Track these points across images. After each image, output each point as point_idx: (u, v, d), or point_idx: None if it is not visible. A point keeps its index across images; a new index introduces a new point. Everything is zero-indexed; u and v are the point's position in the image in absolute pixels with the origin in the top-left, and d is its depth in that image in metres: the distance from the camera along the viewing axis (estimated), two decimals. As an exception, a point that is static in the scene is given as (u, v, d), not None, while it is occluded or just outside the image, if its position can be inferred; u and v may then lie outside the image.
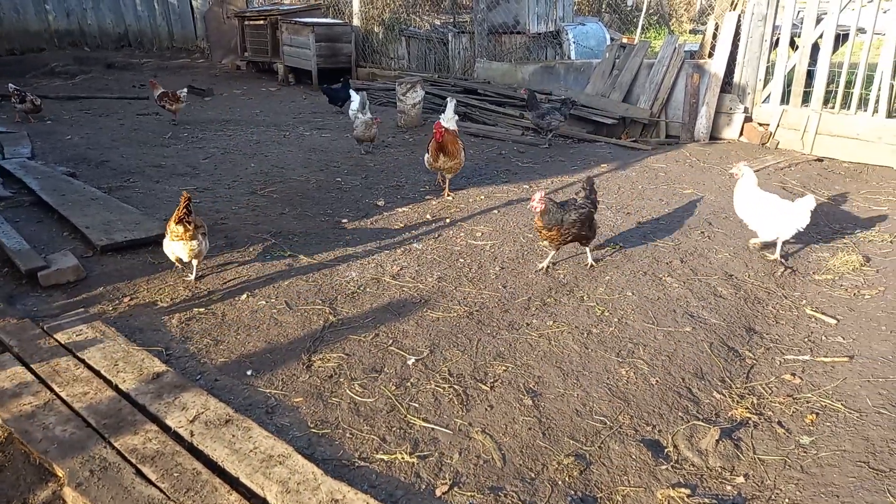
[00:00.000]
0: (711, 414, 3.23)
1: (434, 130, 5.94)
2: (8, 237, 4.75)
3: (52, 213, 5.53)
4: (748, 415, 3.21)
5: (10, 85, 9.64)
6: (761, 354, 3.76)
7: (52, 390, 3.03)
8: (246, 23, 14.83)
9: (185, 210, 4.10)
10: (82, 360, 3.27)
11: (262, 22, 14.35)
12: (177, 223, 4.11)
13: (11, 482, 2.60)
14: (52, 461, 2.58)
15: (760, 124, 8.51)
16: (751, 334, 3.96)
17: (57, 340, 3.44)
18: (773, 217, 4.84)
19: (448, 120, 6.49)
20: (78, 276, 4.38)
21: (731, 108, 8.62)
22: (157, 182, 6.66)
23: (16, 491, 2.56)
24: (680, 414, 3.20)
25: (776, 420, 3.18)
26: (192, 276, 4.45)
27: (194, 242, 4.20)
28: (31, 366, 3.20)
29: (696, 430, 3.09)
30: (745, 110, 8.55)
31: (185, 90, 9.64)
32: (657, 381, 3.43)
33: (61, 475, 2.53)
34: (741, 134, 8.62)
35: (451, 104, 6.74)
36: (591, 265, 4.77)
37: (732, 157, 7.91)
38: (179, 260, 4.34)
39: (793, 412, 3.24)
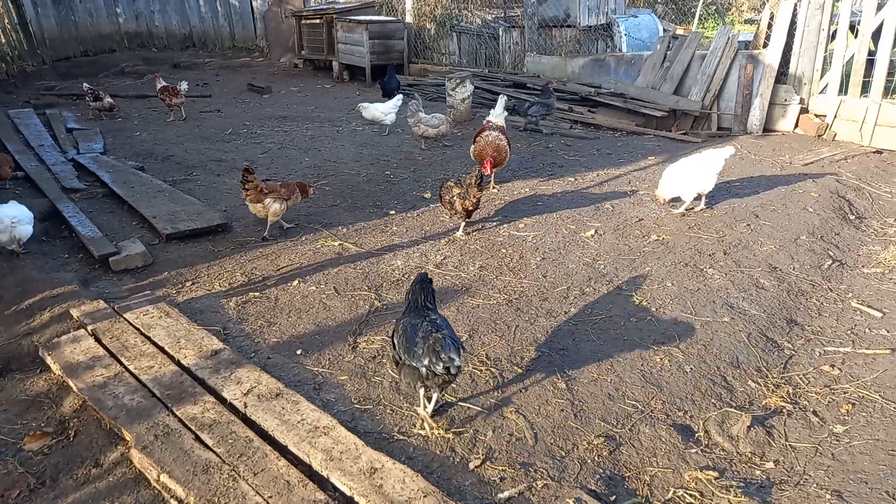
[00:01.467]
0: (745, 402, 3.27)
1: (484, 164, 5.78)
2: (83, 226, 5.14)
3: (122, 204, 5.93)
4: (782, 403, 3.24)
5: (84, 84, 10.28)
6: (801, 346, 3.76)
7: (121, 363, 3.33)
8: (303, 22, 15.25)
9: (242, 179, 5.01)
10: (148, 338, 3.57)
11: (318, 21, 14.73)
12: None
13: (85, 444, 2.89)
14: (121, 426, 2.86)
15: (816, 115, 8.29)
16: (791, 326, 3.96)
17: (126, 319, 3.75)
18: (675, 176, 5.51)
19: (497, 116, 6.61)
20: (145, 261, 4.72)
21: (785, 100, 8.42)
22: (218, 175, 7.02)
23: (89, 452, 2.85)
24: (713, 401, 3.25)
25: (811, 409, 3.20)
26: (265, 233, 5.22)
27: (258, 205, 5.08)
28: (103, 341, 3.52)
29: (728, 416, 3.14)
30: (801, 101, 8.33)
31: (185, 84, 10.17)
32: (692, 368, 3.49)
33: (129, 439, 2.80)
34: (796, 125, 8.42)
35: (501, 102, 6.85)
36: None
37: (786, 149, 7.74)
38: (256, 217, 5.28)
39: (828, 402, 3.25)
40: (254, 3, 17.14)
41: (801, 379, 3.46)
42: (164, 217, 5.41)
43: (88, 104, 9.88)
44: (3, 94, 11.92)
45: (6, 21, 13.55)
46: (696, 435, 3.02)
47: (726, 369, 3.50)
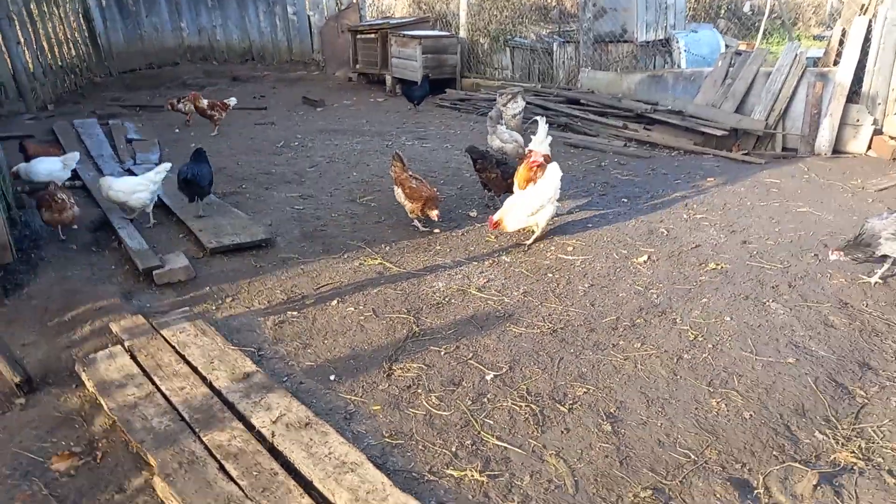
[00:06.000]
0: (811, 456, 2.98)
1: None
2: (131, 238, 5.20)
3: (171, 216, 5.99)
4: (854, 460, 2.93)
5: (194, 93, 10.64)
6: (875, 393, 3.42)
7: (153, 383, 3.28)
8: (358, 36, 15.40)
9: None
10: (183, 357, 3.52)
11: (372, 35, 14.85)
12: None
13: (111, 467, 2.84)
14: (147, 451, 2.79)
15: (892, 137, 7.76)
16: (864, 370, 3.62)
17: (163, 336, 3.72)
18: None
19: (540, 143, 6.05)
20: (188, 275, 4.71)
21: (857, 120, 7.93)
22: (267, 189, 7.05)
23: (113, 476, 2.79)
24: (775, 453, 2.97)
25: (886, 468, 2.88)
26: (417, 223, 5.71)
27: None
28: (138, 359, 3.49)
29: (792, 472, 2.86)
30: (875, 122, 7.83)
31: (233, 99, 10.20)
32: (751, 415, 3.21)
33: (154, 465, 2.73)
34: (869, 147, 7.91)
35: (542, 125, 6.25)
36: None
37: (857, 173, 7.27)
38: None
39: (907, 461, 2.92)
40: (312, 19, 17.42)
41: (874, 432, 3.13)
42: (209, 230, 5.42)
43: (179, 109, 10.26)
44: (72, 104, 12.42)
45: (77, 35, 14.14)
46: (756, 492, 2.75)
47: (790, 417, 3.21)
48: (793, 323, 4.06)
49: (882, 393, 3.43)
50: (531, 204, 5.12)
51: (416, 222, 5.71)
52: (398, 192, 5.66)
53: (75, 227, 5.59)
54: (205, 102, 9.61)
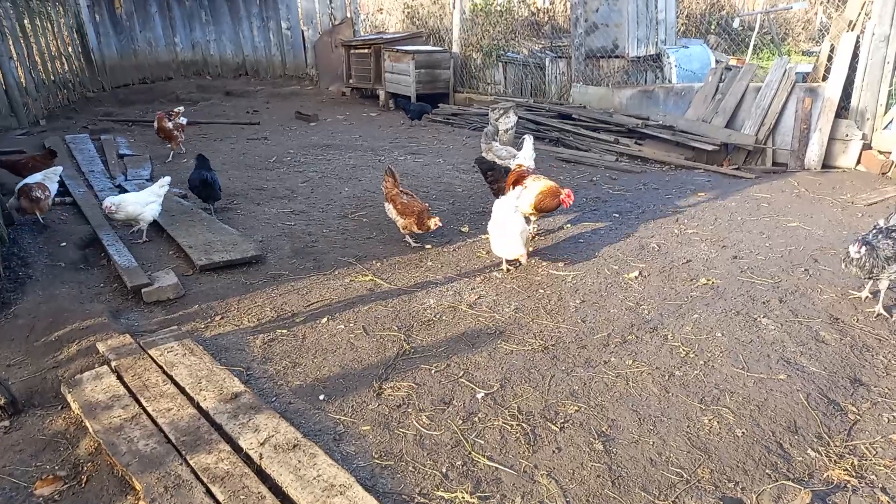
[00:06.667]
0: (804, 474, 2.96)
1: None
2: (120, 254, 5.16)
3: (161, 232, 5.96)
4: (847, 477, 2.91)
5: (179, 108, 10.65)
6: (867, 409, 3.41)
7: (140, 404, 3.24)
8: (352, 51, 15.47)
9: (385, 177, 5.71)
10: (170, 377, 3.48)
11: (366, 50, 14.92)
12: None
13: (96, 492, 2.79)
14: (133, 475, 2.74)
15: (881, 152, 7.83)
16: (856, 386, 3.61)
17: (150, 356, 3.68)
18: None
19: (527, 158, 6.38)
20: (177, 293, 4.68)
21: (847, 135, 7.99)
22: (258, 204, 7.03)
23: (98, 501, 2.74)
24: (767, 471, 2.95)
25: (879, 485, 2.87)
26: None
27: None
28: (125, 379, 3.44)
29: (785, 490, 2.84)
30: (864, 137, 7.89)
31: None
32: (743, 432, 3.19)
33: (139, 489, 2.68)
34: (858, 162, 7.97)
35: (528, 143, 6.54)
36: None
37: (847, 187, 7.32)
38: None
39: (900, 479, 2.90)
40: (306, 33, 17.50)
41: (867, 449, 3.12)
42: (199, 247, 5.39)
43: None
44: (64, 119, 12.41)
45: (70, 50, 14.14)
46: (748, 511, 2.73)
47: (783, 435, 3.19)
48: (784, 339, 4.06)
49: (874, 409, 3.42)
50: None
51: (407, 238, 5.69)
52: (389, 208, 5.63)
53: (43, 216, 6.12)
54: (170, 124, 9.25)
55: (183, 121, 9.65)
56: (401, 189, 5.65)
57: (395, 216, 5.57)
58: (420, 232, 5.51)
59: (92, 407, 3.21)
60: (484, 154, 7.77)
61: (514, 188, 5.41)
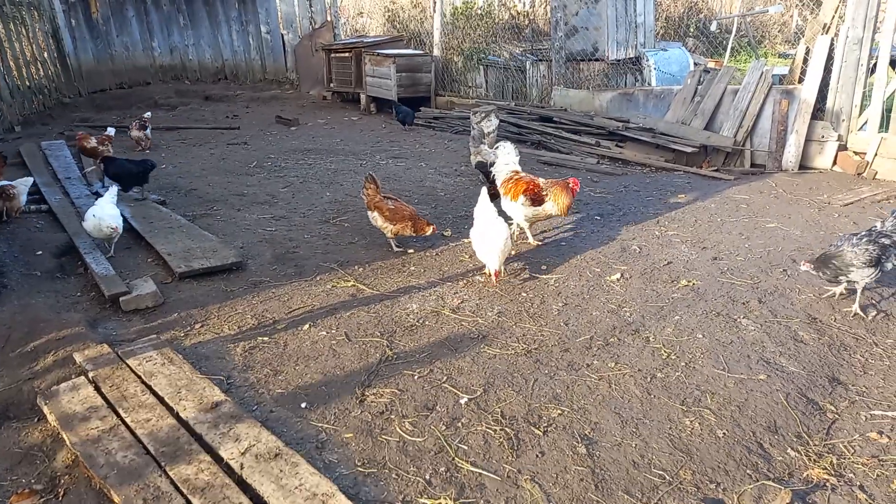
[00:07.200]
0: (784, 473, 2.98)
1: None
2: (97, 263, 5.09)
3: (140, 240, 5.89)
4: (826, 476, 2.94)
5: (147, 114, 10.67)
6: (845, 408, 3.46)
7: (118, 415, 3.19)
8: (332, 55, 15.44)
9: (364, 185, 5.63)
10: (149, 387, 3.43)
11: (347, 54, 14.89)
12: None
13: (73, 505, 2.74)
14: (111, 487, 2.70)
15: (856, 153, 7.96)
16: (834, 385, 3.65)
17: (129, 366, 3.63)
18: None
19: (516, 164, 5.87)
20: (156, 301, 4.61)
21: (823, 136, 8.12)
22: (238, 210, 6.97)
23: (76, 514, 2.69)
24: (748, 472, 2.97)
25: (857, 483, 2.90)
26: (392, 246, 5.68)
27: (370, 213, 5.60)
28: (103, 390, 3.39)
29: (766, 490, 2.86)
30: (839, 138, 8.02)
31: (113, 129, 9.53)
32: (724, 433, 3.22)
33: (117, 501, 2.64)
34: (834, 163, 8.09)
35: (503, 149, 5.92)
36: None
37: (823, 188, 7.43)
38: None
39: (877, 476, 2.94)
40: (285, 37, 17.42)
41: (845, 447, 3.16)
42: (178, 254, 5.33)
43: (130, 133, 10.19)
44: (40, 125, 12.22)
45: (46, 55, 13.94)
46: (730, 512, 2.75)
47: (763, 435, 3.22)
48: (763, 339, 4.10)
49: (852, 408, 3.46)
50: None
51: (391, 242, 5.66)
52: (375, 216, 5.55)
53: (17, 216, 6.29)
54: (93, 141, 8.65)
55: (111, 130, 9.32)
56: (384, 195, 5.61)
57: (383, 223, 5.49)
58: (415, 236, 5.49)
59: (69, 419, 3.16)
60: (472, 158, 7.82)
61: (524, 195, 5.39)
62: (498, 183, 5.74)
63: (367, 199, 5.61)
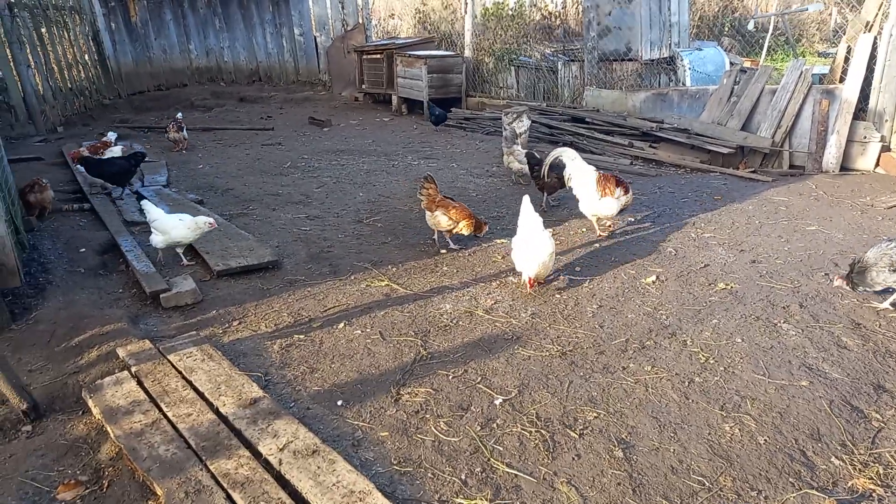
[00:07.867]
0: (828, 482, 2.91)
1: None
2: (138, 261, 5.20)
3: (178, 239, 5.99)
4: (872, 486, 2.87)
5: (179, 115, 11.00)
6: (891, 416, 3.36)
7: (160, 409, 3.26)
8: (364, 56, 15.54)
9: (421, 185, 5.67)
10: (189, 382, 3.49)
11: (378, 56, 14.97)
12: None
13: (117, 497, 2.80)
14: (154, 480, 2.76)
15: (901, 154, 7.74)
16: (879, 392, 3.56)
17: (170, 361, 3.70)
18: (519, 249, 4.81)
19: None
20: (195, 299, 4.70)
21: (865, 137, 7.91)
22: (274, 210, 7.06)
23: (120, 505, 2.76)
24: (790, 480, 2.91)
25: (906, 495, 2.82)
26: (443, 245, 5.75)
27: (429, 214, 5.61)
28: (145, 385, 3.46)
29: (809, 499, 2.80)
30: (882, 139, 7.81)
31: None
32: (766, 440, 3.15)
33: (160, 494, 2.70)
34: (877, 164, 7.88)
35: (568, 156, 6.07)
36: None
37: (866, 190, 7.24)
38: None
39: (927, 488, 2.86)
40: (318, 39, 17.60)
41: (892, 457, 3.07)
42: (216, 253, 5.42)
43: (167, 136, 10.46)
44: (81, 126, 12.56)
45: (87, 57, 14.31)
46: (772, 520, 2.70)
47: (805, 442, 3.15)
48: (805, 344, 4.01)
49: (898, 416, 3.37)
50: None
51: (448, 241, 5.75)
52: (437, 215, 5.51)
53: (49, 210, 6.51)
54: (85, 152, 8.26)
55: (111, 135, 9.25)
56: (443, 195, 5.66)
57: (447, 223, 5.47)
58: (469, 234, 5.53)
59: (112, 412, 3.24)
60: (504, 158, 7.84)
61: (619, 188, 5.69)
62: (576, 183, 5.91)
63: (428, 199, 5.59)
